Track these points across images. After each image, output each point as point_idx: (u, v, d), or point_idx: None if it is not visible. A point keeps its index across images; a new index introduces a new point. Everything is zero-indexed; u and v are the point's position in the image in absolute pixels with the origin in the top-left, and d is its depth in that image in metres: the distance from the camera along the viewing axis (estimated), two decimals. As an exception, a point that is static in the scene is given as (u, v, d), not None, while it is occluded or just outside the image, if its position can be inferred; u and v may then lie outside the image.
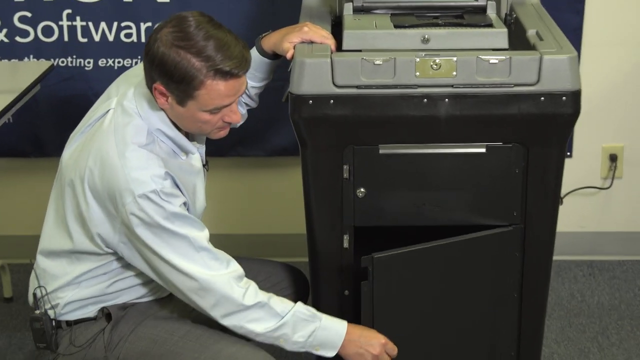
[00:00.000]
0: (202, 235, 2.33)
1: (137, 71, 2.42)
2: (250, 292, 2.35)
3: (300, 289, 2.72)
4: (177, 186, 2.33)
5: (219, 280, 2.32)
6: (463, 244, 2.48)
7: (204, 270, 2.31)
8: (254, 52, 2.56)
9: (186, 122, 2.35)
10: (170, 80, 2.25)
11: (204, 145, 2.53)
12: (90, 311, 2.46)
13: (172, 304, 2.56)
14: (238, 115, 2.35)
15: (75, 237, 2.38)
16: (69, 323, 2.46)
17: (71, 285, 2.43)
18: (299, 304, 2.41)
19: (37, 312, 2.46)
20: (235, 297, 2.33)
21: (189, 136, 2.45)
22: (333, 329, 2.41)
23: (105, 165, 2.28)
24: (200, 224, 2.35)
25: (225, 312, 2.34)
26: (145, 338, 2.44)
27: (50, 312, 2.45)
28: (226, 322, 2.36)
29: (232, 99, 2.30)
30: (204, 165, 2.51)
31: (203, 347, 2.41)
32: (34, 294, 2.47)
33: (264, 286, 2.64)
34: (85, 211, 2.34)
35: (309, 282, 2.68)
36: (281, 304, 2.39)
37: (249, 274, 2.41)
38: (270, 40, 2.55)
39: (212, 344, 2.42)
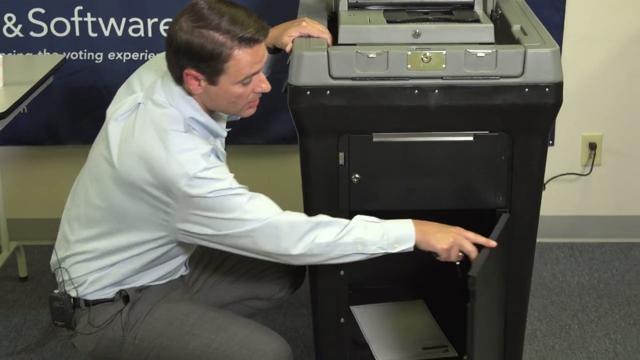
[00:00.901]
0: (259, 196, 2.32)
1: (157, 63, 2.39)
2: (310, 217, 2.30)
3: (298, 269, 2.70)
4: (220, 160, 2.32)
5: (281, 217, 2.30)
6: (501, 235, 2.41)
7: (263, 214, 2.30)
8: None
9: (220, 100, 2.32)
10: (200, 61, 2.24)
11: (227, 130, 2.50)
12: (109, 293, 2.43)
13: (182, 287, 2.56)
14: (267, 83, 2.34)
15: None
16: (87, 303, 2.43)
17: (104, 270, 2.40)
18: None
19: (56, 291, 2.44)
20: (300, 221, 2.29)
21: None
22: (400, 224, 2.34)
23: (152, 159, 2.24)
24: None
25: (296, 237, 2.29)
26: (162, 319, 2.43)
27: (72, 292, 2.43)
28: (298, 249, 2.29)
29: (259, 65, 2.30)
30: None
31: (219, 329, 2.40)
32: (54, 274, 2.45)
33: (262, 266, 2.65)
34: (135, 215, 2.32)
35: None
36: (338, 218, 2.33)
37: (247, 257, 2.37)
38: (270, 35, 2.52)
39: (228, 326, 2.40)
